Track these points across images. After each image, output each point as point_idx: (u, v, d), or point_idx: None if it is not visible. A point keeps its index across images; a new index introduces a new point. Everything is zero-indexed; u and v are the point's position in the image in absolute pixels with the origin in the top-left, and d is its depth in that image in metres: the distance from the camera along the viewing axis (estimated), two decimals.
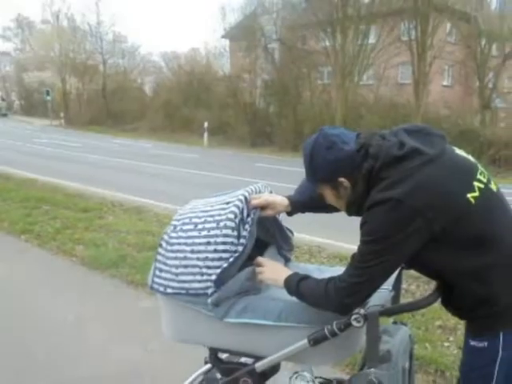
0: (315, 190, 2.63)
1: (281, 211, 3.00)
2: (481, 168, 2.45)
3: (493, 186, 2.44)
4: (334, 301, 2.42)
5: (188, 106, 43.63)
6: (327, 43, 33.94)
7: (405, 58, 31.96)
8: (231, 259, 2.65)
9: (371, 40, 32.75)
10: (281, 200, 2.95)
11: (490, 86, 32.53)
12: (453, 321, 5.49)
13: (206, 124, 35.80)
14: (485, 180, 2.40)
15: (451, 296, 2.49)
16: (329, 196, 2.58)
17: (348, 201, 2.51)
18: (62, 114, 53.62)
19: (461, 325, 5.13)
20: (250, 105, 38.77)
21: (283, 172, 20.32)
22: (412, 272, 2.80)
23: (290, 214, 3.03)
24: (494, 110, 31.99)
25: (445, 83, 39.11)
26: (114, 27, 70.57)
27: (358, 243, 2.37)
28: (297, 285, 2.57)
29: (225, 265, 2.64)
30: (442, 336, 5.37)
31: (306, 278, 2.60)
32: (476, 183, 2.34)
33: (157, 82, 55.90)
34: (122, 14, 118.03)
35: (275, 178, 15.23)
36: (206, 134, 36.00)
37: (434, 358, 4.82)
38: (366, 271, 2.33)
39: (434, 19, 29.58)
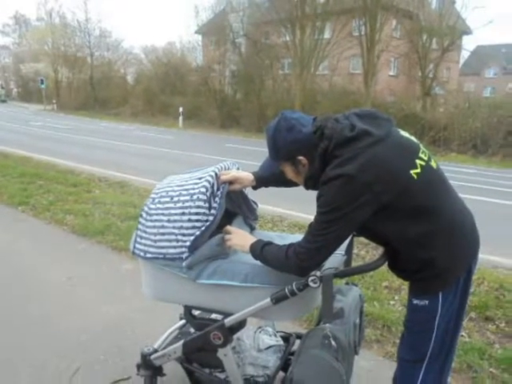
0: (277, 167, 2.62)
1: (247, 186, 3.00)
2: (422, 148, 2.45)
3: (433, 164, 2.45)
4: (294, 264, 2.43)
5: (165, 93, 43.61)
6: (287, 38, 33.97)
7: (356, 51, 32.36)
8: (203, 228, 2.65)
9: (326, 35, 32.89)
10: (247, 176, 2.94)
11: (431, 75, 32.91)
12: (398, 282, 5.54)
13: (181, 109, 35.85)
14: (426, 158, 2.41)
15: (397, 260, 2.51)
16: (289, 172, 2.57)
17: (306, 176, 2.50)
18: (54, 100, 53.59)
19: (405, 285, 5.18)
20: (220, 92, 38.98)
21: (249, 151, 20.32)
22: (362, 239, 2.80)
23: (254, 188, 3.02)
24: (434, 96, 32.45)
25: (391, 73, 39.46)
26: (100, 24, 70.47)
27: (315, 214, 2.36)
28: (261, 250, 2.57)
29: (197, 232, 2.65)
30: (388, 295, 5.41)
31: (268, 244, 2.60)
32: (418, 161, 2.35)
33: (138, 72, 55.54)
34: (107, 12, 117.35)
35: (242, 156, 15.24)
36: (181, 118, 35.98)
37: (381, 314, 4.86)
38: (322, 238, 2.33)
39: (381, 17, 29.93)
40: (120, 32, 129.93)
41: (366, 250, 6.65)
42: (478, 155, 24.51)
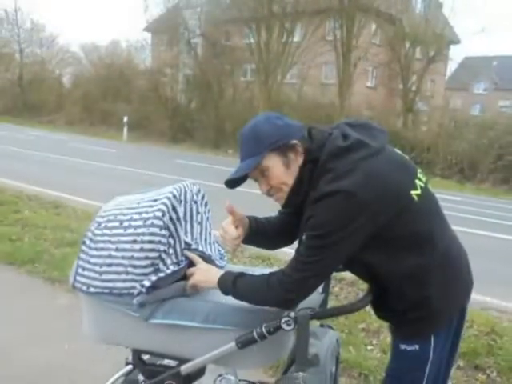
0: (259, 164, 2.45)
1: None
2: (419, 168, 2.46)
3: (430, 188, 2.48)
4: (277, 296, 2.40)
5: (107, 100, 43.40)
6: (251, 40, 34.07)
7: (329, 58, 32.57)
8: (171, 269, 2.63)
9: (296, 38, 33.00)
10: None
11: (414, 88, 33.24)
12: (376, 324, 5.53)
13: (125, 118, 35.70)
14: (424, 180, 2.45)
15: (384, 299, 2.50)
16: (277, 168, 2.44)
17: (297, 178, 2.43)
18: None
19: (384, 328, 5.19)
20: (172, 100, 39.09)
21: (202, 169, 20.32)
22: (334, 274, 2.80)
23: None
24: (417, 112, 32.73)
25: (369, 84, 39.70)
26: (31, 15, 69.63)
27: (303, 237, 2.35)
28: (233, 282, 2.51)
29: (161, 274, 2.61)
30: (366, 339, 5.40)
31: (242, 275, 2.55)
32: (417, 181, 2.39)
33: (75, 73, 55.20)
34: (40, 2, 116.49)
35: (194, 175, 15.19)
36: (125, 129, 35.86)
37: (357, 361, 4.83)
38: (312, 266, 2.31)
39: (360, 20, 30.18)
40: (55, 26, 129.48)
41: (339, 287, 6.65)
42: (465, 181, 24.78)
